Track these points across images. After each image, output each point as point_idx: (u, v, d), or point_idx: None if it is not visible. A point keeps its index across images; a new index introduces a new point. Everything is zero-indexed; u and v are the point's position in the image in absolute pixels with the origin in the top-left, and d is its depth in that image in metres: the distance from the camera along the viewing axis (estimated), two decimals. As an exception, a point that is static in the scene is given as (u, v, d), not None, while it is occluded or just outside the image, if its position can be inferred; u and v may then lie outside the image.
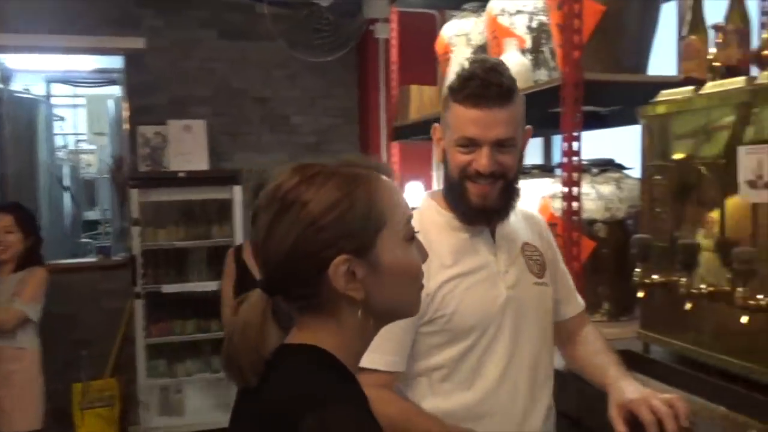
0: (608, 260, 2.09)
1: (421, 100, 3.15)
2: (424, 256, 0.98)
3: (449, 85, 1.39)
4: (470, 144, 1.34)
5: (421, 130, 3.05)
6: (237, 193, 4.16)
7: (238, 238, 4.09)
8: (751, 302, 1.32)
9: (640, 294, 1.62)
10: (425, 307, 1.32)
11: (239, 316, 0.89)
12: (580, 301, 1.59)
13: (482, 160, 1.33)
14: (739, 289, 1.32)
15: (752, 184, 1.34)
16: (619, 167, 2.17)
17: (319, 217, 0.86)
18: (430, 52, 3.04)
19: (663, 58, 2.42)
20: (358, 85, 5.10)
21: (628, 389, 1.31)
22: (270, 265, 0.90)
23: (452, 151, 1.37)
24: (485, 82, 1.32)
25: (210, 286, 4.00)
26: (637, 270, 1.61)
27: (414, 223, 1.37)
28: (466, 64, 1.38)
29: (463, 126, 1.34)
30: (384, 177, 0.94)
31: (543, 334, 1.46)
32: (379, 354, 1.28)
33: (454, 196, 1.40)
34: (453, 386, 1.37)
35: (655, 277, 1.61)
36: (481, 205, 1.37)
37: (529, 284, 1.44)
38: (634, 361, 1.72)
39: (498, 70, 1.34)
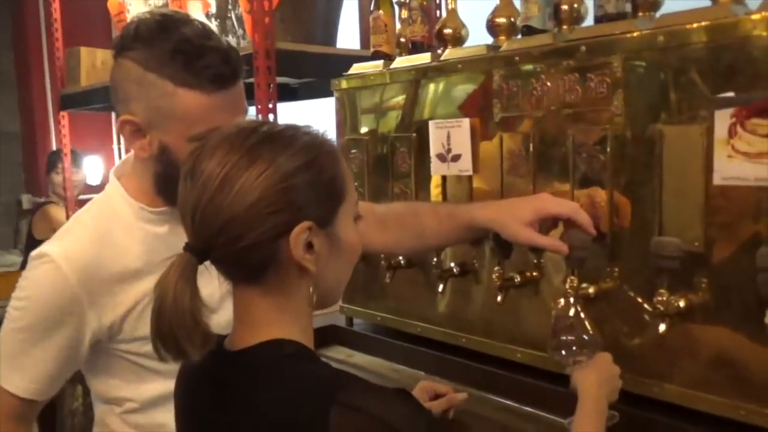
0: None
1: (92, 64, 2.79)
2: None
3: (157, 66, 1.02)
4: None
5: (97, 97, 2.72)
6: None
7: None
8: (446, 269, 1.39)
9: (387, 278, 1.61)
10: (118, 326, 1.10)
11: (169, 282, 0.77)
12: None
13: None
14: (434, 260, 1.38)
15: (441, 158, 1.40)
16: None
17: (291, 175, 0.78)
18: (100, 9, 2.71)
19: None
20: (13, 45, 4.39)
21: (517, 204, 1.15)
22: (215, 225, 0.77)
23: (184, 146, 1.01)
24: (224, 55, 1.03)
25: None
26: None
27: (101, 213, 1.15)
28: (146, 27, 1.04)
29: (206, 116, 1.02)
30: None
31: None
32: (21, 374, 1.08)
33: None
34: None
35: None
36: None
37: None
38: (339, 335, 1.73)
39: (209, 30, 1.06)
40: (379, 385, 0.80)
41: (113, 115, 4.38)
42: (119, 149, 4.39)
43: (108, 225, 1.13)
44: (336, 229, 0.83)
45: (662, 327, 1.05)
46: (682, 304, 1.05)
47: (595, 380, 1.02)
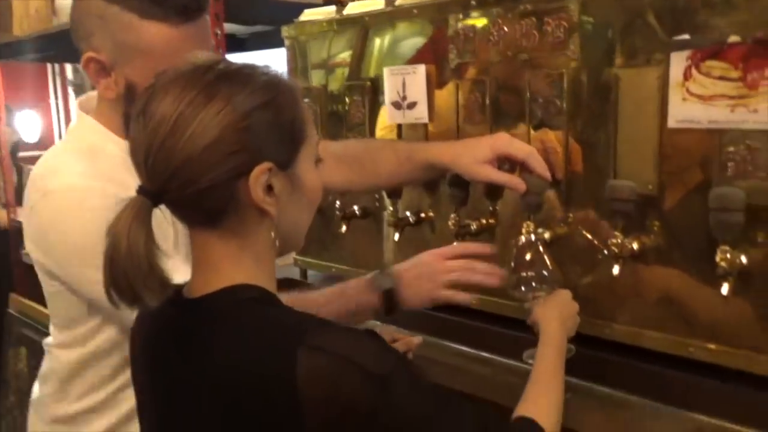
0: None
1: (25, 12, 2.65)
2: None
3: None
4: None
5: (31, 48, 2.59)
6: None
7: None
8: (401, 218, 1.38)
9: (343, 228, 1.58)
10: None
11: (122, 227, 0.74)
12: None
13: None
14: (390, 209, 1.37)
15: (396, 105, 1.38)
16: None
17: (249, 114, 0.75)
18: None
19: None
20: (-63, -8, 4.13)
21: (474, 143, 1.13)
22: (170, 166, 0.74)
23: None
24: None
25: None
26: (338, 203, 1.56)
27: (80, 150, 1.09)
28: None
29: (173, 50, 0.99)
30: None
31: None
32: None
33: None
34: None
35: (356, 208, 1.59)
36: None
37: None
38: (293, 288, 1.71)
39: None
40: (347, 326, 0.80)
41: (50, 66, 4.19)
42: (57, 104, 4.22)
43: (98, 165, 1.06)
44: (297, 171, 0.81)
45: (616, 269, 1.07)
46: (635, 246, 1.07)
47: (557, 316, 1.04)
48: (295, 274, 1.74)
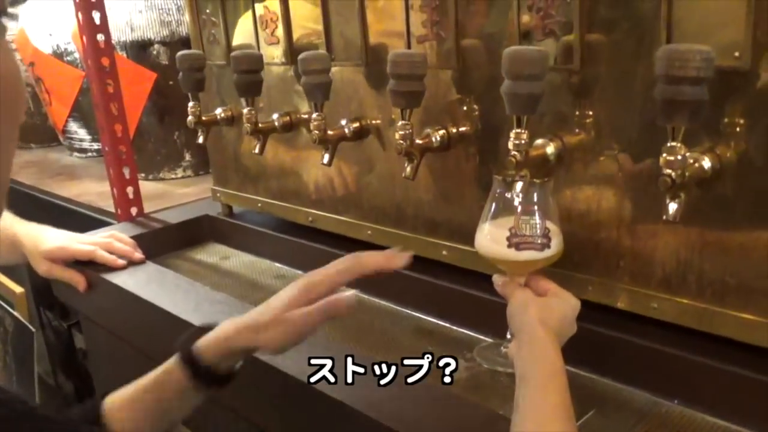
0: (176, 95, 1.57)
1: None
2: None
3: None
4: None
5: None
6: None
7: None
8: (331, 133, 0.91)
9: (200, 138, 1.13)
10: None
11: None
12: None
13: None
14: (315, 115, 0.90)
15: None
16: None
17: None
18: None
19: None
20: None
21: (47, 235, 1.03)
22: None
23: None
24: None
25: None
26: (191, 104, 1.10)
27: None
28: None
29: None
30: None
31: None
32: None
33: None
34: None
35: (219, 111, 1.14)
36: None
37: None
38: (215, 229, 1.28)
39: None
40: None
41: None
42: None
43: None
44: None
45: (672, 207, 0.61)
46: (707, 163, 0.61)
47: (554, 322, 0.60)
48: (216, 209, 1.29)
